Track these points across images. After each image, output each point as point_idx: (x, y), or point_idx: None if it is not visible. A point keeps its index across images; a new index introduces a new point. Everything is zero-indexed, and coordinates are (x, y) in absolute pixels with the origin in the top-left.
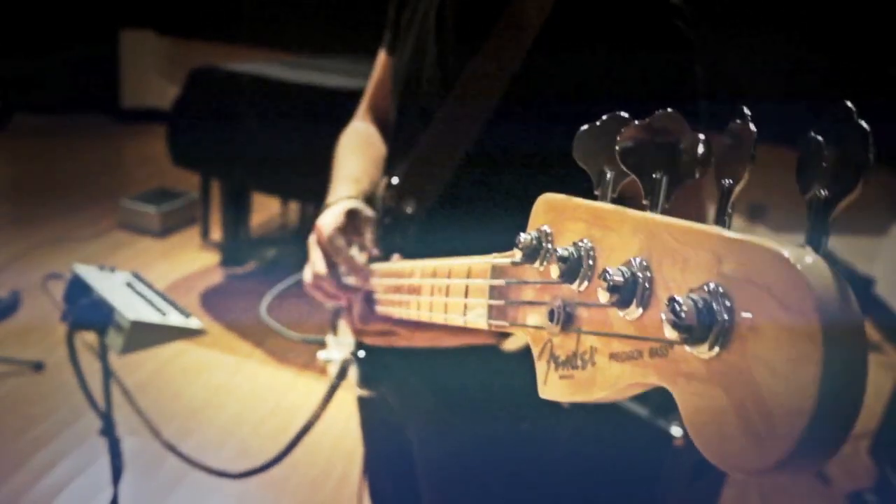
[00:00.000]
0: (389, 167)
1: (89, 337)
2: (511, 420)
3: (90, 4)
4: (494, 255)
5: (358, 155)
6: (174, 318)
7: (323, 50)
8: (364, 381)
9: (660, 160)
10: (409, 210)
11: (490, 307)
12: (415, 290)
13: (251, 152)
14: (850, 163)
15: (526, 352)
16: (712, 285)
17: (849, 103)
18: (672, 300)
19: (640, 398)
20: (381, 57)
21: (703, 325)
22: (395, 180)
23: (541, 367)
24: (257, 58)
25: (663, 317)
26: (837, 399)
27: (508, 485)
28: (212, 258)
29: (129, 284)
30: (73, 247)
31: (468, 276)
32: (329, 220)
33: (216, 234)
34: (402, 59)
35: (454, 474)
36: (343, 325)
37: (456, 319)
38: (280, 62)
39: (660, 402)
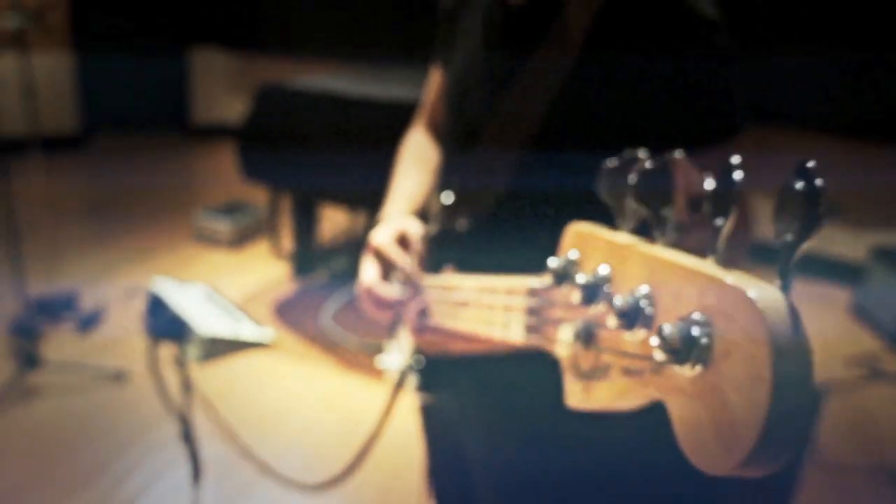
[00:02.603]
0: (442, 182)
1: (168, 348)
2: (565, 425)
3: (159, 24)
4: (531, 277)
5: (414, 170)
6: (247, 330)
7: (389, 60)
8: (422, 389)
9: (669, 198)
10: (460, 228)
11: (527, 324)
12: (462, 304)
13: (319, 165)
14: (809, 215)
15: None
16: (696, 315)
17: (810, 163)
18: (660, 328)
19: None
20: (435, 71)
21: (686, 348)
22: (446, 198)
23: (567, 378)
24: (324, 71)
25: (652, 341)
26: (784, 414)
27: (565, 490)
28: (283, 269)
29: (206, 297)
30: (150, 261)
31: (508, 294)
32: (382, 235)
33: (286, 245)
34: (453, 75)
35: (511, 480)
36: (402, 333)
37: (496, 333)
38: (345, 75)
39: None
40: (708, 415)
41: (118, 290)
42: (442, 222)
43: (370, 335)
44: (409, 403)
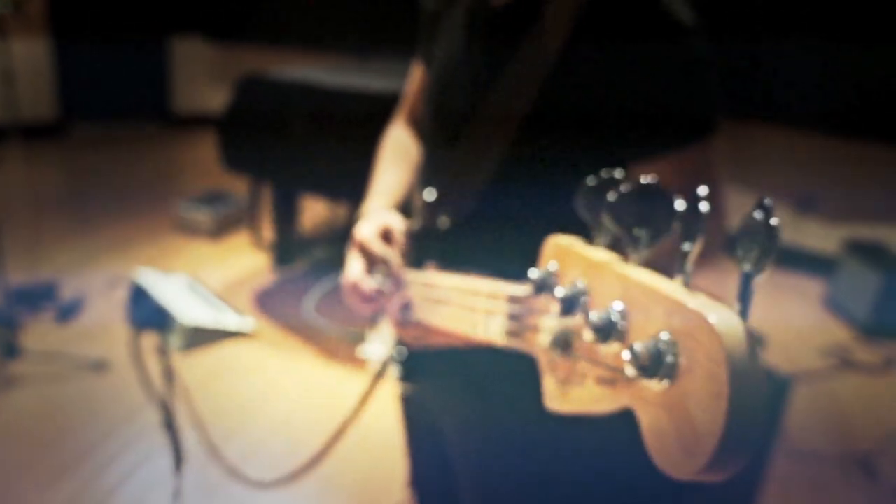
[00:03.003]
0: (424, 179)
1: (151, 338)
2: (540, 417)
3: (139, 13)
4: (512, 284)
5: (394, 165)
6: (229, 320)
7: (369, 51)
8: (403, 379)
9: (642, 218)
10: (442, 225)
11: (508, 329)
12: (444, 302)
13: (299, 156)
14: (765, 249)
15: None
16: (664, 335)
17: (767, 201)
18: (631, 346)
19: None
20: (416, 68)
21: (654, 365)
22: (428, 196)
23: (546, 381)
24: (304, 61)
25: (624, 356)
26: (739, 427)
27: (540, 479)
28: (263, 259)
29: (188, 287)
30: (130, 251)
31: (490, 299)
32: (366, 230)
33: (267, 235)
34: (435, 74)
35: (488, 468)
36: (383, 323)
37: (478, 334)
38: (325, 67)
39: None
40: (673, 425)
41: (98, 279)
42: (425, 219)
43: (352, 324)
44: (389, 392)
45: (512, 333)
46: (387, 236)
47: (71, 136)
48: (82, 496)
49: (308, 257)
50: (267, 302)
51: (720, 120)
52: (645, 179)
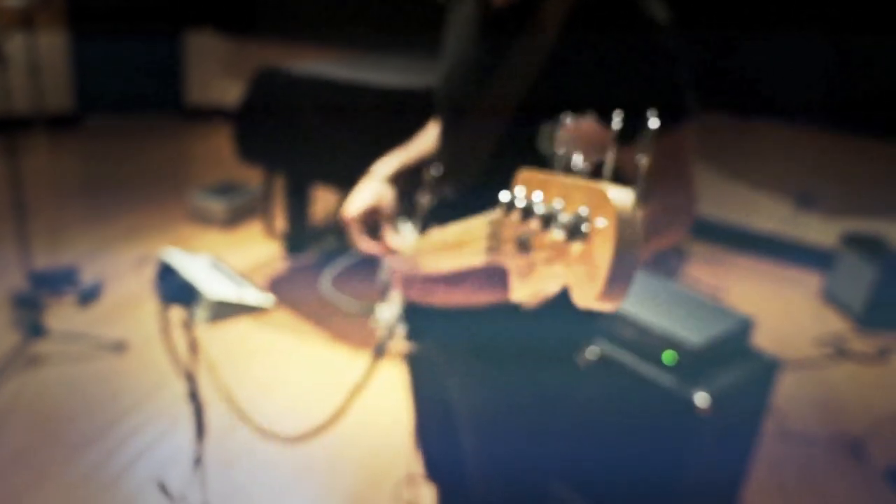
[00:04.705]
0: (435, 156)
1: (176, 314)
2: (536, 372)
3: (154, 7)
4: (489, 212)
5: (427, 136)
6: (251, 295)
7: (383, 48)
8: (410, 338)
9: (579, 146)
10: (448, 195)
11: (487, 248)
12: (441, 249)
13: (312, 148)
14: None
15: (546, 313)
16: (583, 209)
17: (570, 117)
18: (561, 223)
19: (665, 369)
20: None
21: (574, 230)
22: (435, 171)
23: (513, 280)
24: (317, 56)
25: (554, 233)
26: (622, 264)
27: (536, 430)
28: (276, 247)
29: (211, 266)
30: (146, 239)
31: (474, 229)
32: (350, 210)
33: (279, 224)
34: (443, 64)
35: (489, 419)
36: (391, 293)
37: (467, 261)
38: (338, 62)
39: (684, 372)
40: (585, 271)
41: (116, 265)
42: (432, 190)
43: (365, 298)
44: (394, 373)
45: (490, 249)
46: (374, 213)
47: (86, 126)
48: (103, 468)
49: (319, 246)
50: (280, 288)
51: (692, 108)
52: (580, 117)
